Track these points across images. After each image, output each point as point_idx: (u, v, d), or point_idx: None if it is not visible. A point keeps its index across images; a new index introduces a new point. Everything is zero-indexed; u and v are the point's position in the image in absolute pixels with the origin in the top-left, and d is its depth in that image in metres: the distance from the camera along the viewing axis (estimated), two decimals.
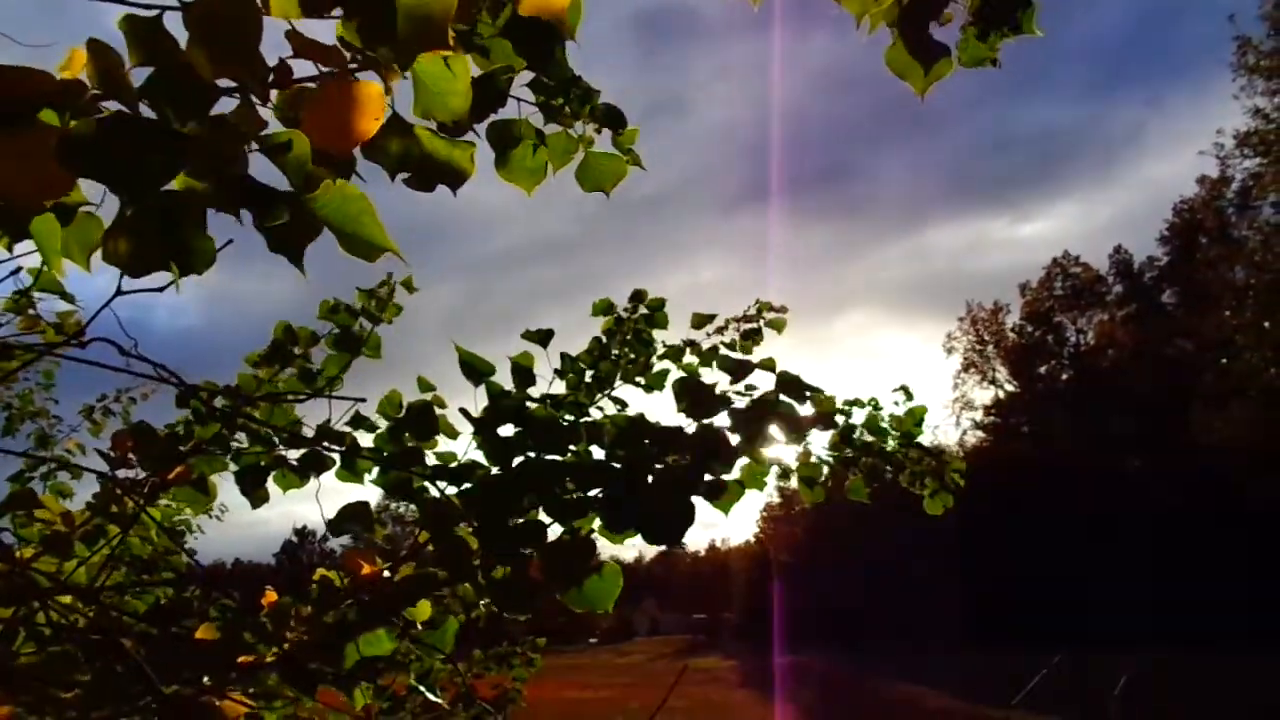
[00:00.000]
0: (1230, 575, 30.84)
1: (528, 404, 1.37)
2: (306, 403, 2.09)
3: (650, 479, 1.26)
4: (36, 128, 0.85)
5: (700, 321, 2.98)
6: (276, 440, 1.96)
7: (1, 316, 2.02)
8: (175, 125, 0.89)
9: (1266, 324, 28.92)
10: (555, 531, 1.29)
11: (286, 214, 0.98)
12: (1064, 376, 47.13)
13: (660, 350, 2.88)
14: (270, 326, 2.23)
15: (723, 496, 1.32)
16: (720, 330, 3.02)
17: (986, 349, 49.77)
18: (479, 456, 1.37)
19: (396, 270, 2.38)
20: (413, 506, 1.48)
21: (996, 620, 35.39)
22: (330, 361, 2.27)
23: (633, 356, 2.82)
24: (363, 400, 1.88)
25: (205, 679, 1.39)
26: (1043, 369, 48.06)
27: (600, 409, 2.58)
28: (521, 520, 1.28)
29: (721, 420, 1.32)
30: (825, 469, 2.10)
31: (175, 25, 0.87)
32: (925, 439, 2.18)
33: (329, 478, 1.90)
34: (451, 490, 1.37)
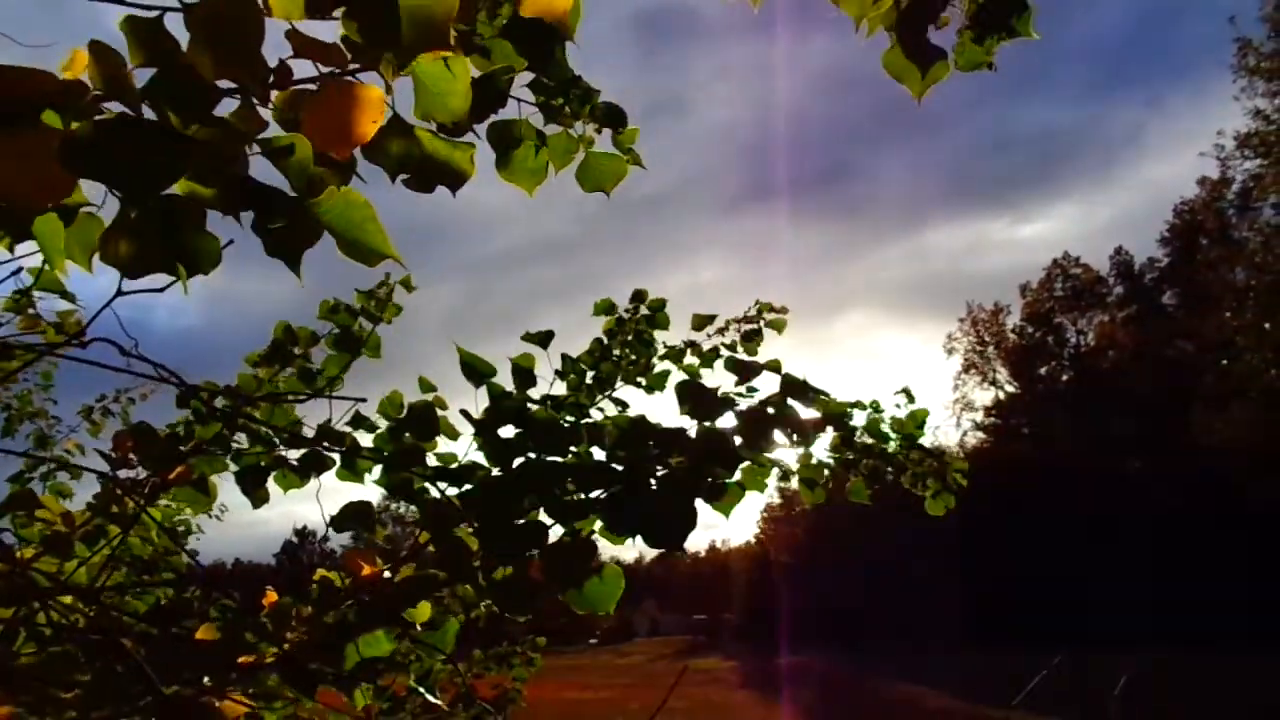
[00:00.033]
0: (1230, 576, 30.84)
1: (528, 405, 1.37)
2: (307, 403, 2.09)
3: (652, 481, 1.26)
4: (39, 128, 0.85)
5: (700, 322, 2.98)
6: (277, 440, 1.96)
7: (2, 316, 2.02)
8: (177, 126, 0.89)
9: (1267, 325, 28.91)
10: (556, 533, 1.29)
11: (286, 218, 0.98)
12: (1064, 377, 47.12)
13: (661, 351, 2.88)
14: (270, 327, 2.24)
15: (724, 498, 1.32)
16: (720, 331, 3.02)
17: (987, 350, 49.79)
18: (479, 458, 1.37)
19: (395, 271, 2.38)
20: (413, 507, 1.48)
21: (996, 620, 35.38)
22: (330, 362, 2.27)
23: (634, 358, 2.82)
24: (363, 400, 1.89)
25: (205, 679, 1.39)
26: (1043, 370, 48.06)
27: (601, 410, 2.58)
28: (522, 521, 1.28)
29: (724, 422, 1.31)
30: (826, 471, 2.10)
31: (176, 26, 0.87)
32: (925, 440, 2.17)
33: (329, 478, 1.91)
34: (452, 491, 1.37)
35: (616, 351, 2.81)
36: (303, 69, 1.01)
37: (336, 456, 1.84)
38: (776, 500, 52.92)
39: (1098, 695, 16.63)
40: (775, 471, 1.86)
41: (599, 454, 1.32)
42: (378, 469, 1.59)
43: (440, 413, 1.65)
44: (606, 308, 2.87)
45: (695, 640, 63.64)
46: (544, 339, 2.32)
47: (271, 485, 1.95)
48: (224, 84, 0.91)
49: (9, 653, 1.41)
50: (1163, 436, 36.34)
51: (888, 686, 25.07)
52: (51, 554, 1.66)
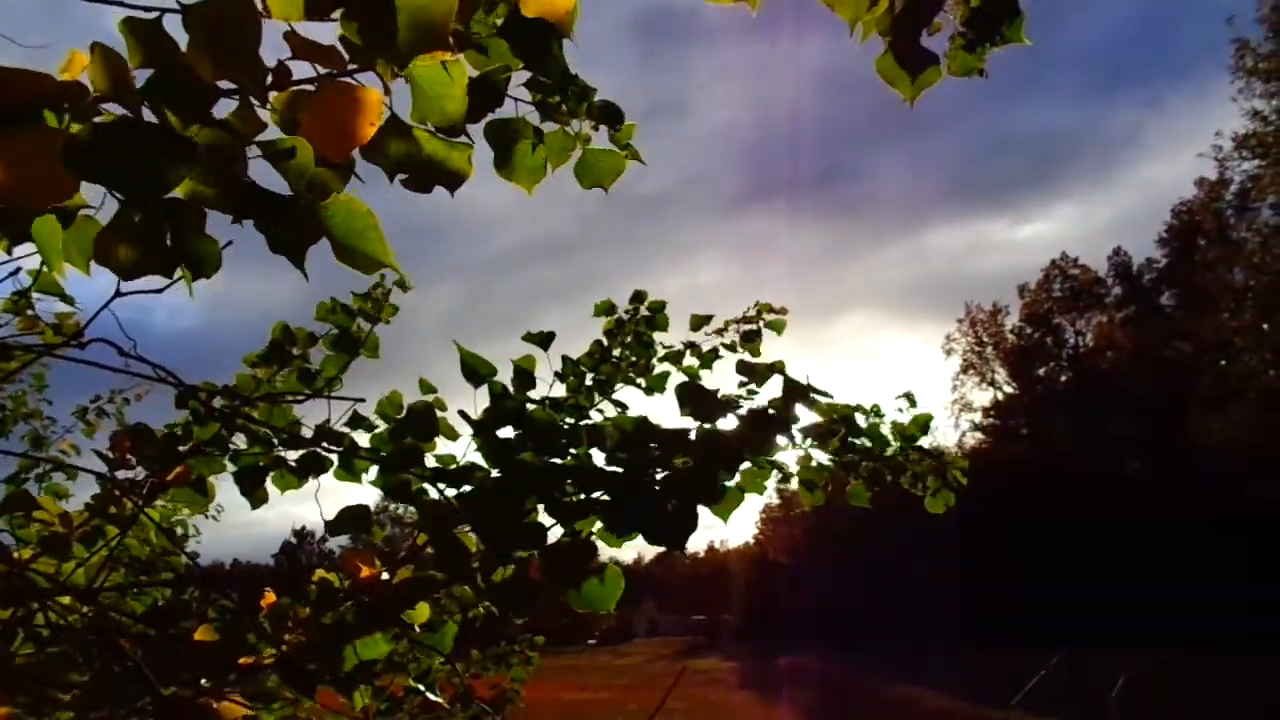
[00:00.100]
0: (1229, 576, 30.88)
1: (528, 406, 1.37)
2: (305, 403, 2.08)
3: (653, 482, 1.26)
4: (39, 130, 0.85)
5: (698, 323, 2.98)
6: (275, 441, 1.95)
7: (0, 317, 2.01)
8: (177, 127, 0.89)
9: (1265, 326, 28.94)
10: (556, 533, 1.29)
11: (289, 220, 0.98)
12: (1063, 378, 47.16)
13: (660, 352, 2.87)
14: (269, 327, 2.24)
15: (722, 501, 1.32)
16: (719, 332, 3.02)
17: (985, 351, 49.81)
18: (479, 459, 1.37)
19: (391, 272, 2.38)
20: (412, 508, 1.47)
21: (996, 621, 35.40)
22: (328, 362, 2.27)
23: (633, 359, 2.81)
24: (361, 401, 1.88)
25: (203, 680, 1.39)
26: (1042, 371, 48.09)
27: (600, 411, 2.58)
28: (522, 522, 1.28)
29: (725, 423, 1.31)
30: (825, 473, 2.10)
31: (175, 27, 0.87)
32: (925, 441, 2.17)
33: (328, 478, 1.90)
34: (451, 492, 1.37)
35: (616, 353, 2.81)
36: (301, 70, 1.02)
37: (335, 457, 1.84)
38: (775, 501, 52.99)
39: (1097, 695, 16.64)
40: (774, 473, 1.86)
41: (599, 456, 1.32)
42: (375, 470, 1.59)
43: (439, 414, 1.65)
44: (607, 309, 2.87)
45: (694, 641, 63.60)
46: (545, 340, 2.32)
47: (270, 486, 1.95)
48: (223, 85, 0.91)
49: (7, 653, 1.41)
50: (1161, 437, 36.37)
51: (887, 687, 25.07)
52: (49, 555, 1.65)
